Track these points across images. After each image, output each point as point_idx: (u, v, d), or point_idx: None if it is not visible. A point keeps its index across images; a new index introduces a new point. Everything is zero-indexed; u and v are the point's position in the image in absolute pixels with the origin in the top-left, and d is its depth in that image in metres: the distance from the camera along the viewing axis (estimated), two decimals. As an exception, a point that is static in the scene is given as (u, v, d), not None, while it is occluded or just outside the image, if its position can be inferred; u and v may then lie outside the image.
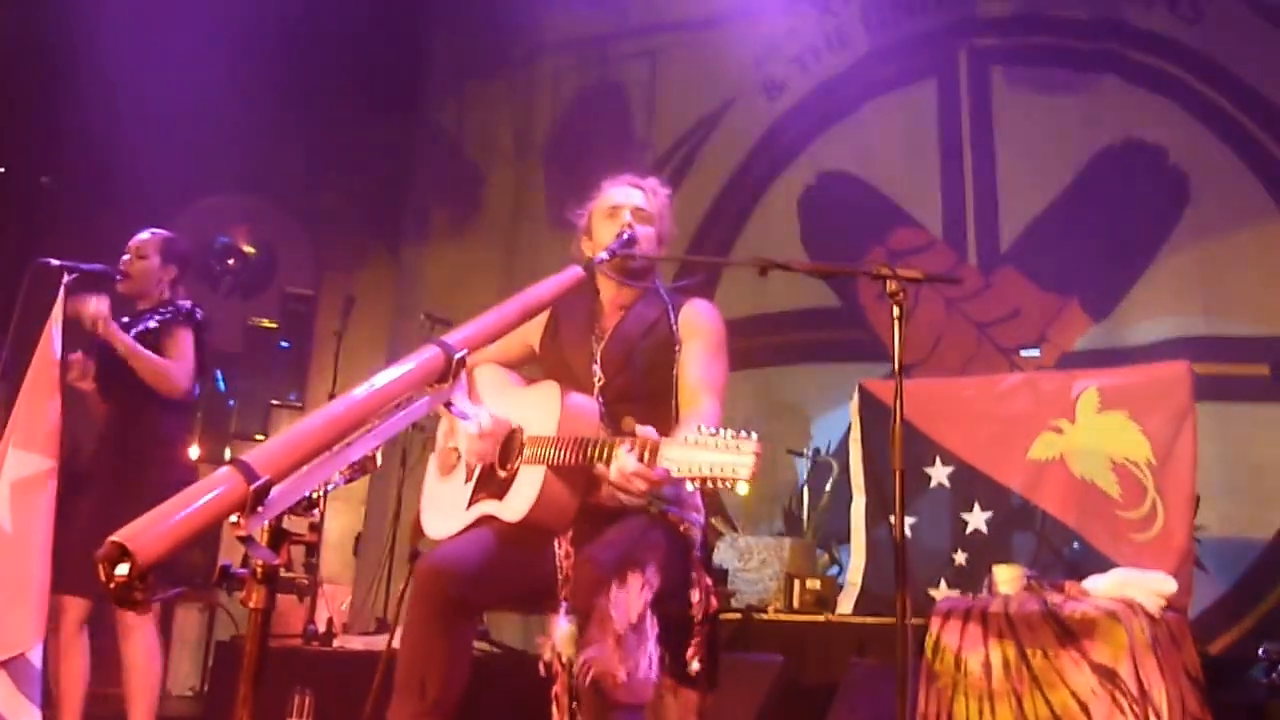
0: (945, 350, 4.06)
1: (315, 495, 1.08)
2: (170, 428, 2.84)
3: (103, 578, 0.86)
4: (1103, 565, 2.67)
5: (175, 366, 2.77)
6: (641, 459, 1.57)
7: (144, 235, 2.94)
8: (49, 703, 2.54)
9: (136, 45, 4.33)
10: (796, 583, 3.23)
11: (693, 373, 1.91)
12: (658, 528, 1.85)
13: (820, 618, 3.09)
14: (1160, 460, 2.85)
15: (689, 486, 1.54)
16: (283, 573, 1.10)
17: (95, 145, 4.42)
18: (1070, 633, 2.26)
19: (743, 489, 1.46)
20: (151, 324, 2.83)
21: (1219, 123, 3.81)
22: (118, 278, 2.88)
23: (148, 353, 2.74)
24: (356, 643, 3.47)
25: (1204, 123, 3.84)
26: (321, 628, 3.60)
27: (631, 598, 1.68)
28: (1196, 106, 3.86)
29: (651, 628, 1.69)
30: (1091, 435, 2.93)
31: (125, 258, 2.89)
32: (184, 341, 2.81)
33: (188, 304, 2.91)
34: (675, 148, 4.85)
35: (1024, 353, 3.84)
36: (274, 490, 0.99)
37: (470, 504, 1.92)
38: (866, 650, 2.82)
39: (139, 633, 2.68)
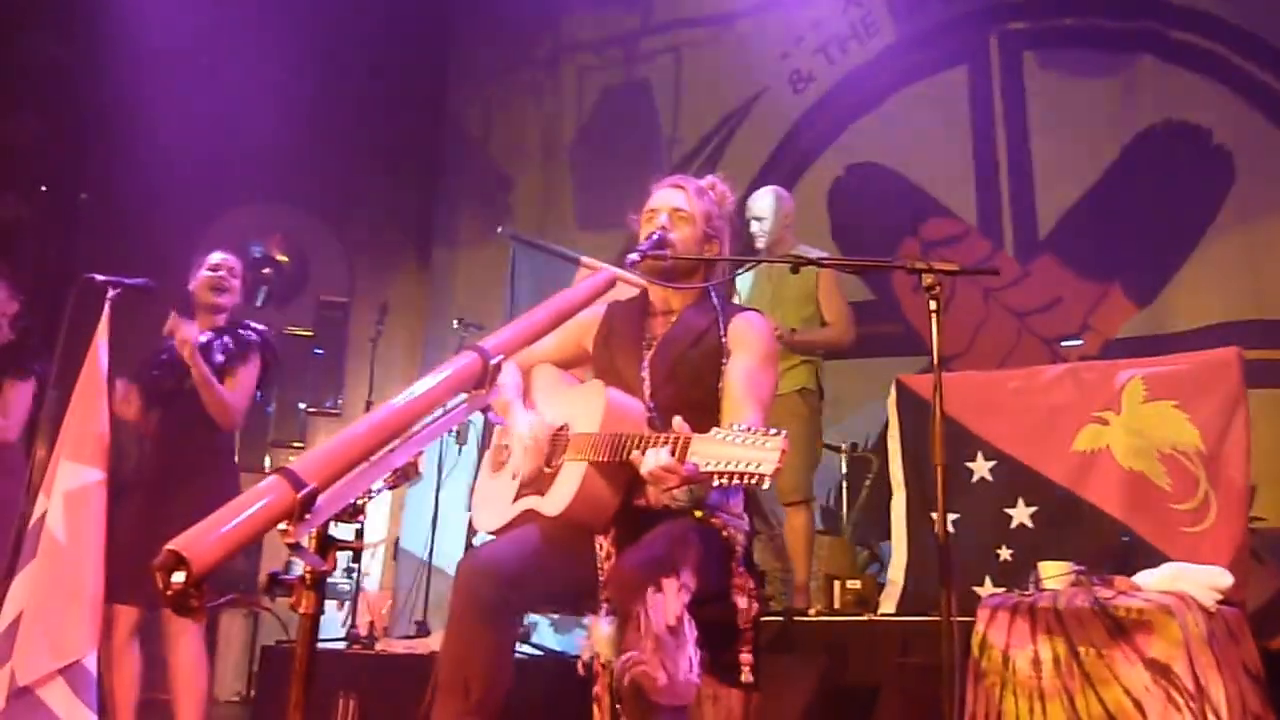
0: (984, 342, 4.00)
1: (360, 502, 1.10)
2: (218, 441, 2.89)
3: (160, 586, 0.89)
4: (1154, 559, 2.60)
5: (234, 405, 2.85)
6: (673, 453, 1.58)
7: (229, 256, 3.03)
8: (102, 710, 2.59)
9: (169, 61, 4.41)
10: (836, 583, 3.19)
11: (738, 384, 1.89)
12: (696, 530, 1.84)
13: (862, 618, 3.04)
14: (1211, 449, 2.76)
15: (716, 483, 1.52)
16: (325, 578, 1.11)
17: (131, 160, 4.51)
18: (1122, 628, 2.20)
19: (767, 485, 1.46)
20: (222, 355, 2.88)
21: (1264, 100, 3.71)
22: (217, 291, 2.94)
23: (219, 386, 2.82)
24: (398, 646, 3.50)
25: (1248, 100, 3.73)
26: (363, 632, 3.64)
27: (668, 601, 1.66)
28: (1239, 84, 3.75)
29: (690, 630, 1.68)
30: (1138, 425, 2.85)
31: (223, 274, 2.96)
32: (249, 375, 2.90)
33: (262, 329, 2.99)
34: (702, 144, 4.84)
35: (1066, 343, 3.77)
36: (320, 498, 1.01)
37: (516, 498, 1.94)
38: (911, 650, 2.76)
39: (185, 639, 2.73)
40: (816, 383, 3.48)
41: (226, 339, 2.92)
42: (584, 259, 2.84)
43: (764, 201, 3.57)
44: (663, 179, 2.09)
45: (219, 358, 2.87)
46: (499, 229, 3.87)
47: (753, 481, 1.46)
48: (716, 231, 2.04)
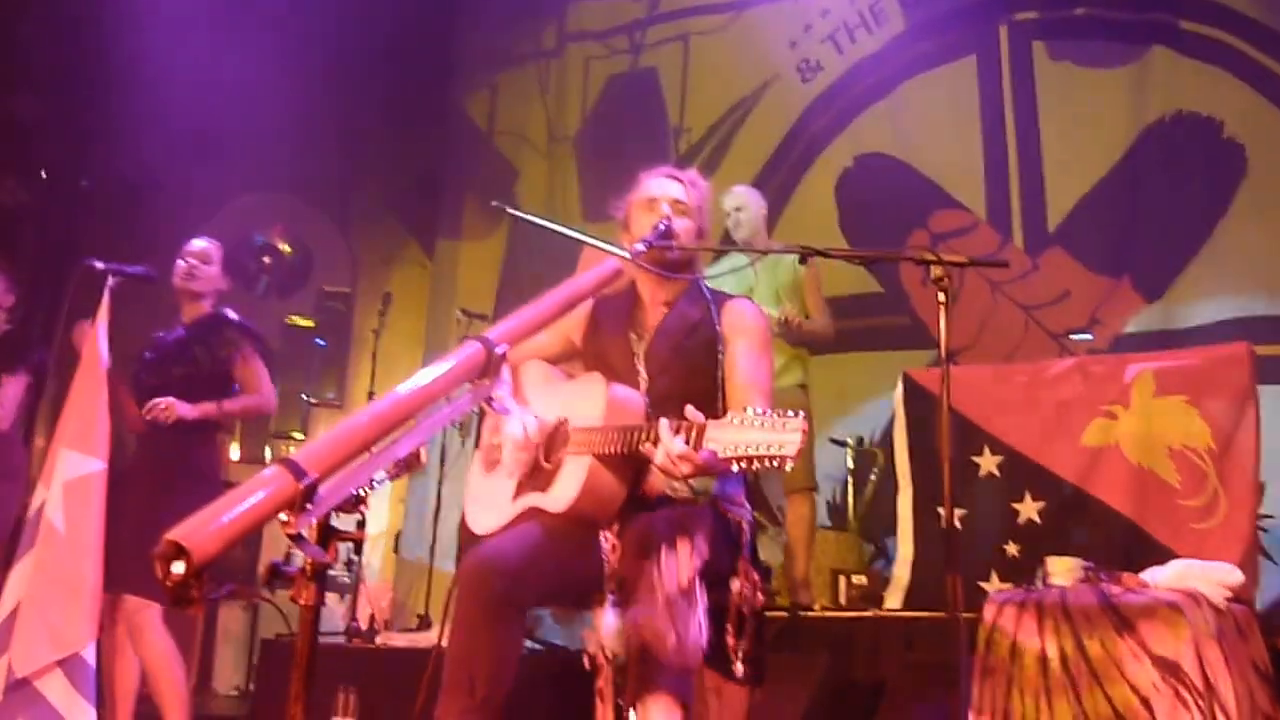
0: (991, 335, 3.97)
1: (362, 492, 1.08)
2: (195, 450, 2.86)
3: (159, 576, 0.88)
4: (1161, 556, 2.58)
5: (261, 399, 2.91)
6: (687, 441, 1.56)
7: (203, 243, 3.00)
8: (101, 701, 2.57)
9: (172, 49, 4.37)
10: (842, 578, 3.17)
11: (740, 374, 1.89)
12: (705, 511, 1.84)
13: (868, 613, 3.03)
14: (1221, 446, 2.74)
15: (734, 468, 1.51)
16: (326, 570, 1.09)
17: (132, 148, 4.48)
18: (1130, 624, 2.18)
19: (789, 468, 1.45)
20: (210, 361, 2.88)
21: (1276, 92, 3.67)
22: (185, 278, 2.92)
23: (236, 406, 2.88)
24: (399, 640, 3.48)
25: (1260, 92, 3.70)
26: (364, 625, 3.62)
27: (681, 563, 1.66)
28: (1252, 76, 3.72)
29: (701, 595, 1.67)
30: (1148, 421, 2.83)
31: (191, 261, 2.93)
32: (259, 370, 2.93)
33: (238, 318, 2.96)
34: (709, 134, 4.80)
35: (1074, 336, 3.73)
36: (322, 488, 0.99)
37: (515, 497, 1.91)
38: (916, 646, 2.75)
39: (148, 634, 2.68)
40: (808, 378, 3.52)
41: (207, 332, 2.90)
42: (588, 241, 2.80)
43: (740, 195, 3.58)
44: (653, 169, 2.07)
45: (202, 354, 2.86)
46: (493, 203, 3.87)
47: (775, 464, 1.45)
48: (706, 227, 2.04)
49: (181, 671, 2.75)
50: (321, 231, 5.48)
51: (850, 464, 3.85)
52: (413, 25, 5.31)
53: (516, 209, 3.72)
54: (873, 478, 3.73)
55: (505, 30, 5.51)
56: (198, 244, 2.98)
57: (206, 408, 2.80)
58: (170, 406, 2.77)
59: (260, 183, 5.25)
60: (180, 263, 2.93)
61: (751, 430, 1.47)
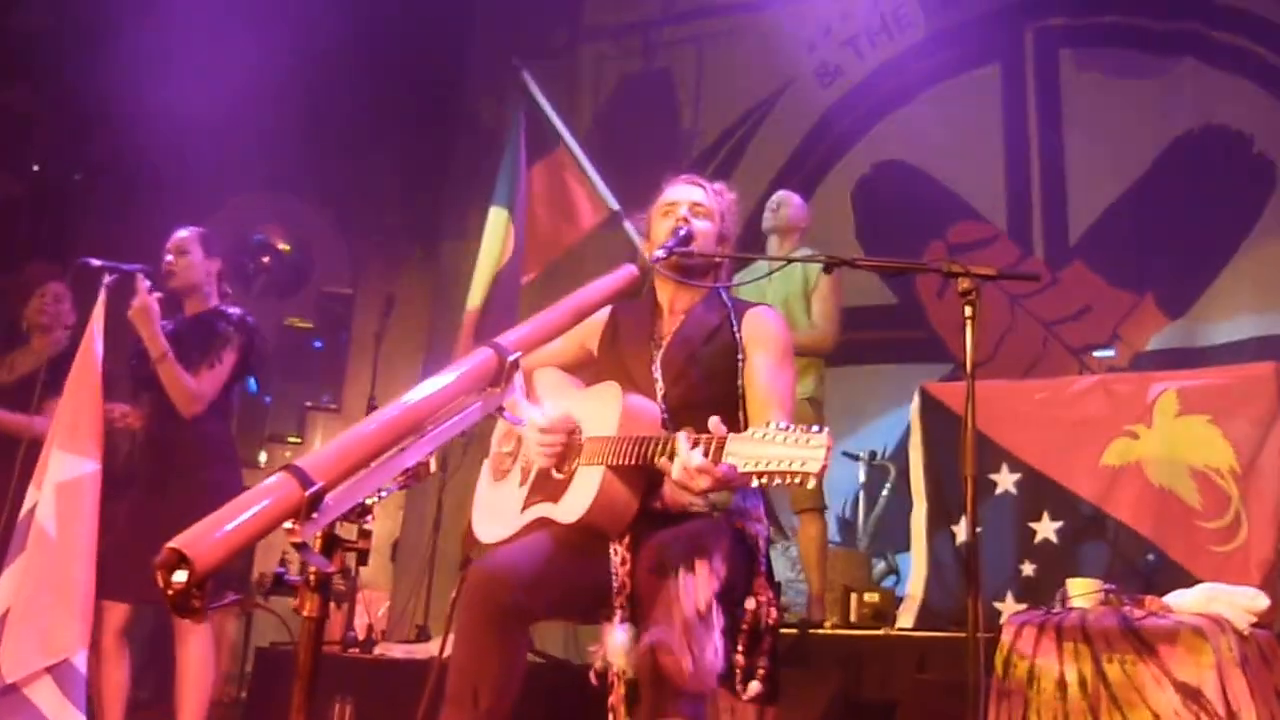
0: (1009, 350, 3.93)
1: (369, 502, 1.07)
2: (211, 432, 2.77)
3: (160, 584, 0.87)
4: (1181, 578, 2.54)
5: (196, 389, 2.71)
6: (706, 454, 1.52)
7: (181, 233, 2.90)
8: (91, 710, 2.51)
9: (170, 42, 4.33)
10: (853, 595, 3.11)
11: (761, 385, 1.86)
12: (722, 526, 1.81)
13: (879, 631, 2.97)
14: (1244, 468, 2.70)
15: (754, 483, 1.48)
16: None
17: (129, 143, 4.42)
18: (1152, 649, 2.14)
19: (811, 484, 1.43)
20: (195, 345, 2.76)
21: (1308, 107, 3.64)
22: (166, 277, 2.83)
23: (178, 368, 2.68)
24: (397, 651, 3.40)
25: (1292, 108, 3.66)
26: (360, 635, 3.55)
27: (700, 585, 1.62)
28: (1284, 91, 3.68)
29: (718, 617, 1.63)
30: (1170, 441, 2.79)
31: (168, 258, 2.84)
32: (223, 366, 2.76)
33: (238, 313, 2.85)
34: (724, 138, 4.76)
35: (1096, 353, 3.69)
36: (328, 496, 0.98)
37: (525, 507, 1.87)
38: (928, 666, 2.70)
39: (195, 637, 2.63)
40: (821, 391, 3.45)
41: (202, 329, 2.81)
42: (591, 177, 2.76)
43: (783, 194, 3.57)
44: (674, 177, 2.06)
45: (194, 352, 2.74)
46: (514, 61, 3.77)
47: (797, 481, 1.42)
48: (729, 233, 2.02)
49: (211, 682, 2.69)
50: (323, 231, 5.42)
51: (862, 478, 3.79)
52: (421, 22, 5.26)
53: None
54: (885, 493, 3.67)
55: (516, 27, 5.46)
56: (176, 236, 2.87)
57: (163, 343, 2.63)
58: (146, 303, 2.59)
59: (261, 181, 5.18)
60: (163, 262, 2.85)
61: (774, 445, 1.44)
